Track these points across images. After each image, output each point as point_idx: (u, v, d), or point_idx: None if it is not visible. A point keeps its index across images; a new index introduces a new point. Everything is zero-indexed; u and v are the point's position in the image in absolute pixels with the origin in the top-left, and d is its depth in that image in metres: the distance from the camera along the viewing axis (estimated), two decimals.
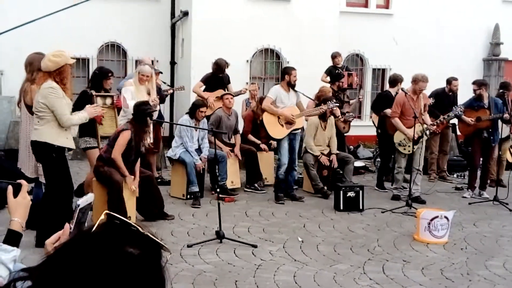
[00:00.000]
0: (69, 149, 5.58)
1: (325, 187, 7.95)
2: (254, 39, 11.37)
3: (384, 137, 8.38)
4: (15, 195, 2.17)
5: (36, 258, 3.58)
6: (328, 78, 10.12)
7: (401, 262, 5.22)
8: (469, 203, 7.80)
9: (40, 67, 5.52)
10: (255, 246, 5.48)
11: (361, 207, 7.19)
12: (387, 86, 10.18)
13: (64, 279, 0.98)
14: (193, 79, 10.50)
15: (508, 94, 8.66)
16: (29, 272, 1.12)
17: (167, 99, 10.33)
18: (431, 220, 5.83)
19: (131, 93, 6.93)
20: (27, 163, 5.75)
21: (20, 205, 2.17)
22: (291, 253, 5.38)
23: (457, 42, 13.45)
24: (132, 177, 6.08)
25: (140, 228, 1.10)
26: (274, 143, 8.70)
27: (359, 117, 13.02)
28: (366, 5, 13.45)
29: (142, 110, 6.07)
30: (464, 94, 9.15)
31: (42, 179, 5.70)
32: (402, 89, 7.93)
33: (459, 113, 8.16)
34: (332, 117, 8.29)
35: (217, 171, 7.03)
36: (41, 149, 5.19)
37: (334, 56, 10.44)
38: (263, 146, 8.59)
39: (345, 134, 9.54)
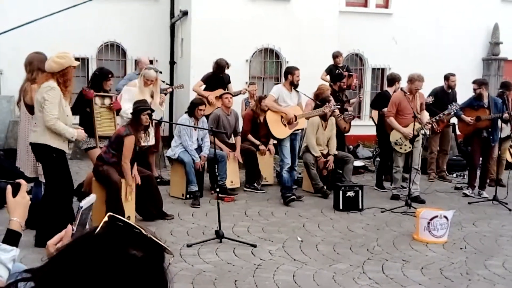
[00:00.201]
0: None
1: (325, 187, 7.95)
2: (254, 39, 11.37)
3: (383, 137, 8.39)
4: (14, 194, 2.17)
5: (35, 258, 3.61)
6: (328, 77, 10.13)
7: (400, 262, 5.23)
8: (469, 203, 7.80)
9: (40, 66, 5.54)
10: (254, 246, 5.49)
11: (360, 207, 7.19)
12: (386, 86, 10.19)
13: (67, 280, 0.99)
14: (192, 78, 10.50)
15: (508, 93, 8.66)
16: (32, 273, 1.12)
17: (167, 98, 10.32)
18: (431, 219, 5.83)
19: (132, 95, 6.93)
20: (26, 163, 5.75)
21: (19, 205, 2.17)
22: (291, 253, 5.38)
23: (457, 42, 13.46)
24: (133, 184, 6.08)
25: (143, 231, 1.10)
26: (272, 148, 8.70)
27: (359, 117, 13.03)
28: (365, 4, 13.46)
29: (135, 108, 6.08)
30: (464, 94, 9.16)
31: (41, 179, 5.70)
32: (401, 89, 7.94)
33: (455, 110, 8.18)
34: (332, 117, 8.30)
35: (216, 171, 7.02)
36: (41, 150, 5.19)
37: (336, 56, 10.44)
38: (262, 147, 8.56)
39: (345, 134, 9.55)
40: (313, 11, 11.51)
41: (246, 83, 10.90)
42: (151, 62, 11.41)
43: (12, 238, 2.13)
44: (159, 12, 12.49)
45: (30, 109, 5.55)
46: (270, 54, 11.92)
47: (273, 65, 12.06)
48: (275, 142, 8.20)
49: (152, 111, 6.30)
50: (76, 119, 6.54)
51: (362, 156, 11.31)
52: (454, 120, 9.29)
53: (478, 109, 8.23)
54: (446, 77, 9.47)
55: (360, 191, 7.23)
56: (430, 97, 8.91)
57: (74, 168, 6.27)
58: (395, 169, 8.00)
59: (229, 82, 9.31)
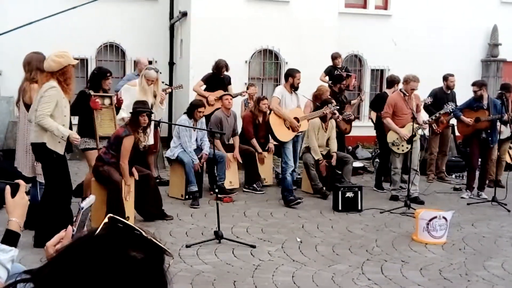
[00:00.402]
0: (69, 151, 5.56)
1: (324, 188, 7.96)
2: (253, 40, 11.37)
3: (383, 138, 8.39)
4: (13, 195, 2.17)
5: (34, 258, 3.61)
6: (327, 78, 10.14)
7: (399, 263, 5.23)
8: (468, 204, 7.81)
9: (39, 66, 5.54)
10: (253, 247, 5.49)
11: (359, 208, 7.20)
12: (385, 87, 10.20)
13: (67, 282, 0.99)
14: (191, 79, 10.51)
15: (508, 95, 8.68)
16: (32, 274, 1.12)
17: (166, 98, 10.32)
18: (430, 220, 5.84)
19: (131, 94, 6.92)
20: (24, 162, 5.75)
21: (18, 205, 2.18)
22: (290, 254, 5.38)
23: (456, 43, 13.47)
24: (131, 183, 6.08)
25: (143, 232, 1.10)
26: (271, 146, 8.70)
27: (358, 118, 13.03)
28: (364, 6, 13.47)
29: (134, 108, 6.09)
30: (463, 95, 9.17)
31: (40, 179, 5.70)
32: (401, 90, 7.96)
33: (450, 110, 8.21)
34: (332, 120, 8.31)
35: (215, 171, 7.02)
36: (41, 150, 5.19)
37: (335, 57, 10.45)
38: (261, 155, 8.53)
39: (345, 135, 9.56)
40: (312, 12, 11.52)
41: (246, 84, 10.91)
42: (150, 62, 11.42)
43: (11, 238, 2.13)
44: (158, 13, 12.50)
45: (29, 109, 5.54)
46: (269, 55, 11.93)
47: (272, 66, 12.07)
48: (276, 143, 8.19)
49: (151, 112, 6.29)
50: (75, 119, 6.55)
51: (361, 157, 11.33)
52: (453, 121, 9.30)
53: (478, 110, 8.24)
54: (445, 78, 9.48)
55: (359, 192, 7.23)
56: (429, 97, 8.92)
57: (73, 169, 6.27)
58: (394, 171, 8.01)
59: (230, 84, 9.32)
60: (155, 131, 7.80)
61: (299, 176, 8.56)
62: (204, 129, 7.62)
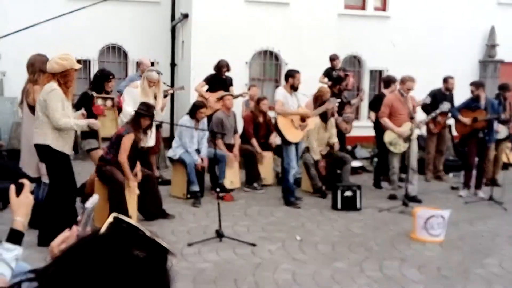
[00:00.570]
0: (75, 151, 5.62)
1: (324, 187, 8.02)
2: (253, 41, 11.43)
3: (381, 138, 8.44)
4: (18, 194, 2.21)
5: (38, 257, 3.66)
6: (326, 79, 10.19)
7: (398, 261, 5.27)
8: (465, 202, 7.86)
9: (42, 68, 5.59)
10: (254, 245, 5.54)
11: (358, 206, 7.26)
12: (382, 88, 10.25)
13: (71, 281, 1.01)
14: (193, 80, 10.57)
15: (505, 95, 8.74)
16: (36, 273, 1.14)
17: (168, 99, 10.38)
18: (427, 219, 5.89)
19: (133, 96, 6.99)
20: (29, 163, 5.80)
21: (22, 205, 2.21)
22: (290, 252, 5.43)
23: (454, 44, 13.52)
24: (135, 181, 6.14)
25: (147, 232, 1.12)
26: (274, 142, 8.75)
27: (357, 118, 13.07)
28: (363, 7, 13.52)
29: (138, 109, 6.15)
30: (461, 95, 9.24)
31: (44, 179, 5.75)
32: (399, 90, 8.02)
33: (446, 109, 8.28)
34: (332, 119, 8.37)
35: (216, 171, 7.07)
36: (44, 151, 5.24)
37: (333, 59, 10.51)
38: (260, 155, 8.59)
39: (346, 135, 9.61)
40: (312, 13, 11.58)
41: (246, 85, 10.97)
42: (152, 64, 11.49)
43: (15, 237, 2.16)
44: (160, 15, 12.56)
45: (33, 110, 5.59)
46: (269, 56, 11.98)
47: (272, 67, 12.12)
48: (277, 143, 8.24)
49: (153, 116, 6.33)
50: None
51: (360, 157, 11.38)
52: (450, 121, 9.36)
53: (475, 110, 8.30)
54: (445, 80, 9.56)
55: (358, 191, 7.29)
56: (429, 97, 8.98)
57: (77, 169, 6.28)
58: (392, 171, 8.07)
59: (231, 85, 9.37)
60: (156, 132, 7.86)
61: (299, 176, 8.61)
62: (205, 130, 7.67)
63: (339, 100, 8.14)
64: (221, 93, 8.90)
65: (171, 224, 6.32)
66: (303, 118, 7.53)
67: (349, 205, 7.22)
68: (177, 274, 1.10)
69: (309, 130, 7.89)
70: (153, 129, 6.79)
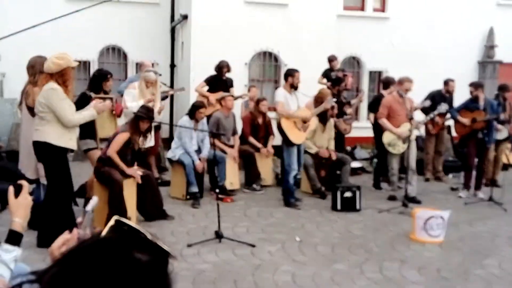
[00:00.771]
0: (71, 151, 5.60)
1: (323, 188, 8.01)
2: (253, 42, 11.43)
3: (380, 138, 8.45)
4: (16, 195, 2.21)
5: (37, 258, 3.66)
6: (325, 80, 10.19)
7: (398, 262, 5.26)
8: (465, 203, 7.86)
9: (42, 70, 5.60)
10: (254, 246, 5.53)
11: (358, 207, 7.25)
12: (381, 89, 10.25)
13: (72, 283, 1.00)
14: (192, 81, 10.57)
15: (504, 96, 8.74)
16: (37, 275, 1.13)
17: (167, 100, 10.39)
18: (427, 220, 5.88)
19: (133, 96, 7.00)
20: (28, 164, 5.79)
21: (21, 206, 2.21)
22: (290, 253, 5.42)
23: (453, 45, 13.52)
24: (133, 168, 6.13)
25: (148, 235, 1.12)
26: (270, 150, 8.75)
27: (356, 119, 13.07)
28: (362, 8, 13.52)
29: (137, 112, 6.14)
30: (460, 96, 9.25)
31: (43, 181, 5.75)
32: (398, 91, 8.02)
33: (444, 110, 8.29)
34: (331, 119, 8.36)
35: (216, 172, 7.07)
36: (43, 150, 5.23)
37: (331, 60, 10.52)
38: (263, 150, 8.61)
39: (345, 135, 9.61)
40: (311, 14, 11.59)
41: (246, 86, 10.97)
42: (152, 65, 11.48)
43: (14, 238, 2.16)
44: (159, 16, 12.57)
45: (32, 111, 5.60)
46: (269, 57, 11.98)
47: (272, 68, 12.12)
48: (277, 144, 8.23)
49: (152, 119, 6.31)
50: None
51: (359, 157, 11.38)
52: (449, 122, 9.36)
53: (474, 111, 8.30)
54: (445, 82, 9.58)
55: (357, 192, 7.28)
56: (428, 100, 8.98)
57: (76, 170, 6.29)
58: (391, 172, 8.06)
59: (232, 86, 9.37)
60: (156, 133, 7.86)
61: (298, 177, 8.60)
62: (204, 130, 7.67)
63: (335, 100, 8.12)
64: (221, 93, 8.90)
65: (170, 225, 6.32)
66: (304, 121, 7.52)
67: (349, 206, 7.22)
68: (177, 275, 1.10)
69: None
70: (152, 131, 6.77)
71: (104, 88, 6.59)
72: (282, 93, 7.46)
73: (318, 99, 8.31)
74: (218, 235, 5.63)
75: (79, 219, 1.80)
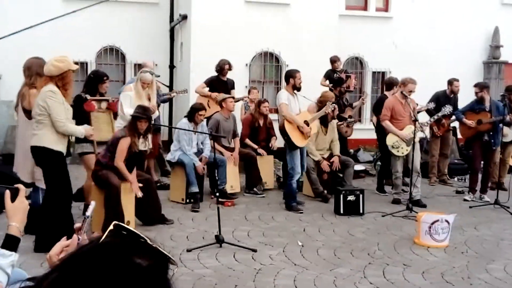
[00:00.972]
0: (68, 155, 5.55)
1: (325, 191, 7.94)
2: (253, 43, 11.37)
3: (384, 141, 8.39)
4: (13, 199, 2.18)
5: (35, 263, 3.60)
6: (327, 82, 10.14)
7: (401, 266, 5.21)
8: (470, 207, 7.79)
9: (39, 71, 5.54)
10: (254, 250, 5.47)
11: (361, 211, 7.18)
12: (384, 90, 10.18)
13: None
14: (192, 82, 10.50)
15: (510, 97, 8.67)
16: (36, 281, 1.10)
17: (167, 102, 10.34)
18: (432, 223, 5.82)
19: (130, 100, 6.91)
20: (23, 168, 5.73)
21: (18, 210, 2.19)
22: (291, 257, 5.36)
23: (457, 45, 13.46)
24: (138, 184, 6.06)
25: (148, 240, 1.10)
26: (274, 146, 8.69)
27: (359, 121, 13.02)
28: (365, 8, 13.46)
29: (134, 113, 6.07)
30: (465, 97, 9.17)
31: (38, 184, 5.68)
32: (402, 92, 7.94)
33: (448, 112, 8.22)
34: (333, 121, 8.29)
35: (216, 175, 7.01)
36: (41, 154, 5.18)
37: (334, 61, 10.46)
38: (260, 150, 8.56)
39: (347, 138, 9.55)
40: (313, 14, 11.52)
41: (246, 87, 10.91)
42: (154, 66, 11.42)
43: (11, 243, 2.14)
44: (158, 16, 12.51)
45: (28, 114, 5.54)
46: (270, 58, 11.92)
47: (273, 69, 12.06)
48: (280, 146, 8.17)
49: (150, 119, 6.23)
50: (72, 123, 6.50)
51: (363, 160, 11.32)
52: (455, 124, 9.29)
53: (480, 113, 8.23)
54: (450, 82, 9.46)
55: (361, 195, 7.21)
56: (432, 103, 8.91)
57: (74, 173, 6.23)
58: (395, 175, 7.99)
59: (233, 88, 9.30)
60: (155, 136, 7.78)
61: (300, 180, 8.53)
62: (203, 133, 7.59)
63: (335, 105, 8.05)
64: (221, 95, 8.82)
65: (169, 229, 6.26)
66: (306, 123, 7.45)
67: (352, 209, 7.14)
68: (176, 280, 1.05)
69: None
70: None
71: (100, 90, 6.47)
72: (285, 95, 7.37)
73: (322, 102, 8.24)
74: (219, 240, 5.55)
75: (77, 225, 1.78)
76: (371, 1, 13.39)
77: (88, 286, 0.96)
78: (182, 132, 7.45)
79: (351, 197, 7.17)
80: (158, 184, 7.91)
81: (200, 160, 7.59)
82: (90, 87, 6.47)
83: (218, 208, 5.71)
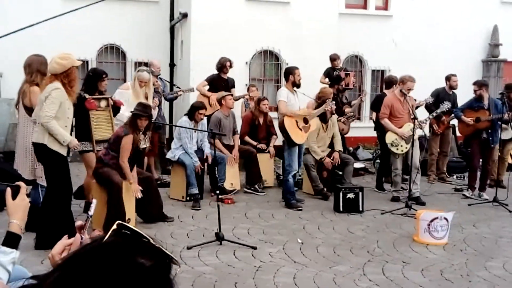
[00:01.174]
0: (68, 154, 5.52)
1: (325, 189, 7.95)
2: (253, 41, 11.36)
3: (383, 139, 8.40)
4: (14, 197, 2.19)
5: (35, 260, 3.62)
6: (327, 80, 10.14)
7: (400, 264, 5.22)
8: (469, 204, 7.80)
9: (39, 68, 5.56)
10: (254, 248, 5.48)
11: (360, 209, 7.19)
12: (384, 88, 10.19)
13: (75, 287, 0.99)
14: (192, 81, 10.50)
15: (510, 96, 8.67)
16: (38, 279, 1.11)
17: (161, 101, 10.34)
18: (431, 221, 5.83)
19: (127, 97, 6.91)
20: (24, 165, 5.74)
21: (18, 207, 2.19)
22: (291, 255, 5.38)
23: (456, 43, 13.45)
24: (138, 186, 6.06)
25: (151, 239, 1.11)
26: (271, 151, 8.70)
27: (359, 119, 13.02)
28: (365, 6, 13.45)
29: (134, 110, 6.07)
30: (463, 95, 9.17)
31: (39, 181, 5.69)
32: (401, 90, 7.95)
33: (447, 108, 8.22)
34: (333, 116, 8.31)
35: (216, 172, 7.03)
36: (42, 151, 5.19)
37: (333, 59, 10.46)
38: (260, 145, 8.58)
39: (345, 136, 9.55)
40: (312, 13, 11.51)
41: (246, 85, 10.91)
42: (146, 64, 11.41)
43: (12, 240, 2.14)
44: (159, 15, 12.49)
45: (29, 111, 5.55)
46: (269, 56, 11.92)
47: (273, 67, 12.06)
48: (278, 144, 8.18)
49: (151, 116, 6.23)
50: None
51: (362, 158, 11.32)
52: (454, 121, 9.29)
53: (478, 110, 8.24)
54: (448, 78, 9.49)
55: (360, 193, 7.22)
56: (430, 98, 8.92)
57: (74, 171, 6.25)
58: (394, 172, 8.01)
59: (233, 86, 9.30)
60: (155, 134, 7.79)
61: (300, 178, 8.55)
62: (204, 131, 7.61)
63: (334, 102, 8.07)
64: (221, 93, 8.84)
65: (170, 227, 6.27)
66: (306, 120, 7.47)
67: (351, 207, 7.16)
68: (176, 277, 1.06)
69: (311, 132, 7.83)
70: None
71: (99, 88, 6.45)
72: (285, 93, 7.39)
73: (321, 98, 8.27)
74: (219, 237, 5.57)
75: (78, 223, 1.79)
76: None
77: (91, 285, 0.97)
78: (183, 130, 7.46)
79: (350, 195, 7.19)
80: (159, 182, 7.92)
81: (205, 159, 7.62)
82: (89, 85, 6.46)
83: (218, 206, 5.72)
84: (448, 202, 8.04)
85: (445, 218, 5.88)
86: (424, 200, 7.75)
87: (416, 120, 7.52)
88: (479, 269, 5.12)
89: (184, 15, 11.48)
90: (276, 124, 8.36)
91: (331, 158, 8.08)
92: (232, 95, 8.67)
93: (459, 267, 5.18)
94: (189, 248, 5.40)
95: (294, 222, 6.64)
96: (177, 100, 10.38)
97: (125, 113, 6.71)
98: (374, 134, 9.52)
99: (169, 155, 7.74)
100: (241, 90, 10.21)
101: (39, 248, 5.04)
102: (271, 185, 8.68)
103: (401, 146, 7.81)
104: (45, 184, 5.49)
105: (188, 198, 7.39)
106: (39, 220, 5.19)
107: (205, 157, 7.60)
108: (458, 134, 9.92)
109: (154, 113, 7.31)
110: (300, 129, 7.39)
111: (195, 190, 7.28)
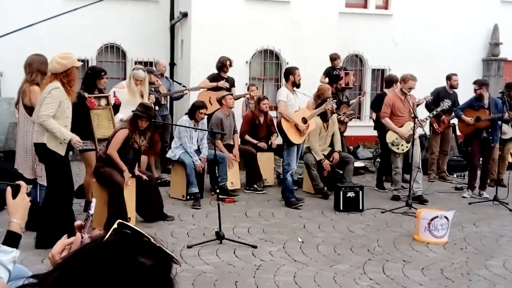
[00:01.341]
0: (71, 152, 5.53)
1: (325, 188, 7.95)
2: (254, 40, 11.36)
3: (383, 138, 8.40)
4: (14, 196, 2.19)
5: (36, 260, 3.61)
6: (327, 79, 10.14)
7: (401, 262, 5.22)
8: (469, 203, 7.80)
9: (40, 68, 5.56)
10: (255, 247, 5.48)
11: (361, 208, 7.19)
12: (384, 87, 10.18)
13: (75, 287, 0.99)
14: (192, 80, 10.51)
15: (510, 95, 8.67)
16: (39, 278, 1.12)
17: (167, 100, 10.34)
18: (431, 220, 5.83)
19: (123, 96, 6.90)
20: (24, 164, 5.74)
21: (19, 206, 2.19)
22: (291, 254, 5.38)
23: (456, 43, 13.44)
24: (130, 175, 6.06)
25: (151, 239, 1.11)
26: (274, 144, 8.71)
27: (359, 118, 13.02)
28: (365, 5, 13.45)
29: (135, 110, 6.07)
30: (464, 94, 9.17)
31: (40, 181, 5.69)
32: (401, 89, 7.95)
33: (447, 107, 8.23)
34: (334, 115, 8.30)
35: (217, 172, 7.02)
36: (42, 151, 5.19)
37: (334, 59, 10.46)
38: (261, 144, 8.58)
39: (345, 135, 9.54)
40: (312, 12, 11.51)
41: (246, 84, 10.91)
42: (151, 64, 11.43)
43: (12, 239, 2.14)
44: (159, 14, 12.49)
45: (29, 110, 5.55)
46: (270, 55, 11.92)
47: (273, 66, 12.06)
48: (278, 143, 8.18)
49: (151, 118, 6.22)
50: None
51: (362, 157, 11.31)
52: (454, 120, 9.29)
53: (478, 110, 8.23)
54: (448, 77, 9.49)
55: (360, 192, 7.22)
56: (430, 95, 8.92)
57: (75, 170, 6.24)
58: (395, 171, 8.01)
59: (233, 86, 9.31)
60: (156, 133, 7.79)
61: (300, 176, 8.55)
62: (205, 130, 7.61)
63: (335, 101, 8.07)
64: (221, 92, 8.84)
65: (170, 226, 6.27)
66: (305, 120, 7.47)
67: (352, 206, 7.16)
68: (177, 276, 1.07)
69: (310, 131, 7.83)
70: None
71: (98, 86, 6.46)
72: (285, 93, 7.40)
73: (319, 96, 8.27)
74: (219, 236, 5.57)
75: (78, 223, 1.78)
76: None
77: (91, 285, 0.97)
78: (183, 129, 7.47)
79: (350, 194, 7.19)
80: (159, 181, 7.92)
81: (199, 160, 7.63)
82: (88, 83, 6.46)
83: (218, 205, 5.72)
84: (448, 201, 8.04)
85: (446, 217, 5.88)
86: (426, 199, 7.74)
87: (416, 119, 7.52)
88: (479, 268, 5.12)
89: (184, 15, 11.48)
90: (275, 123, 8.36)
91: (331, 159, 8.07)
92: (232, 94, 8.67)
93: (459, 265, 5.18)
94: (189, 247, 5.40)
95: (294, 221, 6.64)
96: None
97: (119, 114, 6.71)
98: (374, 133, 9.52)
99: (169, 154, 7.74)
100: (242, 90, 10.21)
101: (40, 247, 5.04)
102: (271, 184, 8.68)
103: (402, 145, 7.81)
104: (45, 183, 5.48)
105: (188, 197, 7.40)
106: (39, 219, 5.19)
107: (198, 159, 7.56)
108: (458, 133, 9.92)
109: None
110: (298, 129, 7.38)
111: (195, 190, 7.29)
